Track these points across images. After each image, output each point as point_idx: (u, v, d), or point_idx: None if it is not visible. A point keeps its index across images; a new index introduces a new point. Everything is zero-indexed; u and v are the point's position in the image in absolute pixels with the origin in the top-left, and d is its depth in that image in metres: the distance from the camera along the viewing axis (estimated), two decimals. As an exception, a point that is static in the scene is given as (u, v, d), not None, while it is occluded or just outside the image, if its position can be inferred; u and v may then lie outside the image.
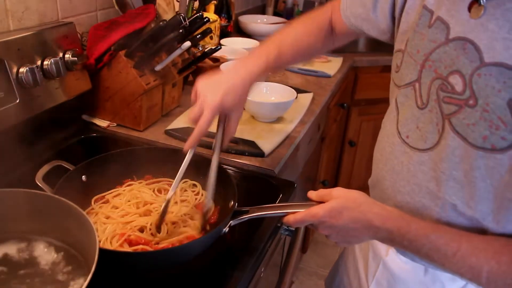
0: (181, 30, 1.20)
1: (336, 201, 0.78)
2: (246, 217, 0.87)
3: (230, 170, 1.18)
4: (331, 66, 2.04)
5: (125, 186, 1.04)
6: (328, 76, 1.92)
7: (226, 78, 0.92)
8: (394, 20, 0.91)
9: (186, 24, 1.23)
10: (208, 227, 0.94)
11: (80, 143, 1.26)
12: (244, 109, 1.26)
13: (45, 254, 0.67)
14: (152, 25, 1.29)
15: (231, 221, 0.87)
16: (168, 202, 0.91)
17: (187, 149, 0.91)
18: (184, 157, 0.92)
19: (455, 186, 0.76)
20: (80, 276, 0.63)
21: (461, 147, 0.73)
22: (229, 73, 0.94)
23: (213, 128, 0.93)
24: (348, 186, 2.67)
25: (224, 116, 0.94)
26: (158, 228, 0.91)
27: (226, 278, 0.84)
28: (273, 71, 1.06)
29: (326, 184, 2.22)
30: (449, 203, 0.77)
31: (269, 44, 1.00)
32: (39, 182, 0.93)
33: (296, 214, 0.81)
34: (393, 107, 0.88)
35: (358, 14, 0.98)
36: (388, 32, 0.94)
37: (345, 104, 2.25)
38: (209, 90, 0.89)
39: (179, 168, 1.01)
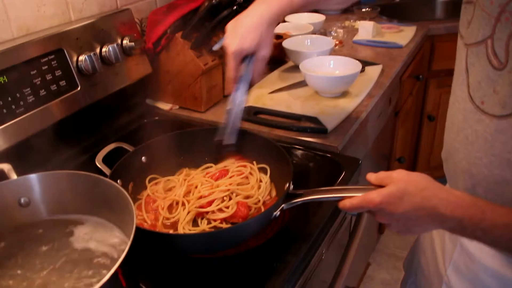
0: (235, 7, 1.17)
1: (395, 186, 0.69)
2: (299, 200, 0.82)
3: (291, 147, 1.14)
4: (403, 36, 1.92)
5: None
6: (399, 47, 1.81)
7: (245, 18, 0.91)
8: None
9: (241, 0, 1.20)
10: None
11: (143, 127, 1.28)
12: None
13: (92, 232, 0.68)
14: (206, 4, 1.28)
15: (283, 205, 0.82)
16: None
17: (228, 92, 0.96)
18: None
19: None
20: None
21: None
22: (250, 11, 0.92)
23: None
24: (427, 163, 2.53)
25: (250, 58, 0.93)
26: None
27: (279, 263, 0.81)
28: (307, 4, 0.98)
29: (403, 162, 2.11)
30: None
31: None
32: (98, 163, 0.95)
33: (352, 199, 0.73)
34: (462, 69, 0.79)
35: None
36: None
37: (420, 76, 2.11)
38: (230, 34, 0.91)
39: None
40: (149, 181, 0.99)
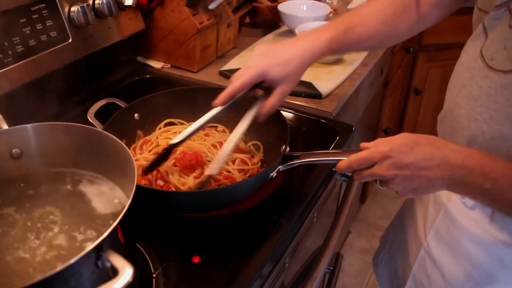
0: (233, -36, 1.13)
1: (406, 137, 0.68)
2: (296, 162, 0.82)
3: (285, 111, 1.13)
4: (397, 6, 1.90)
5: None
6: (394, 17, 1.79)
7: (281, 49, 0.84)
8: None
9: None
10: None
11: (135, 84, 1.26)
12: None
13: (88, 187, 0.66)
14: (205, -40, 1.24)
15: (279, 166, 0.82)
16: (170, 148, 0.82)
17: (216, 105, 0.82)
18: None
19: None
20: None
21: None
22: (287, 44, 0.85)
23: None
24: (412, 136, 2.54)
25: (269, 88, 0.85)
26: (146, 171, 0.83)
27: (272, 225, 0.81)
28: (342, 49, 0.96)
29: (388, 133, 2.13)
30: None
31: (336, 21, 0.90)
32: (90, 118, 0.93)
33: (359, 153, 0.71)
34: (480, 32, 0.78)
35: None
36: None
37: (411, 49, 2.10)
38: (259, 55, 0.83)
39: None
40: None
